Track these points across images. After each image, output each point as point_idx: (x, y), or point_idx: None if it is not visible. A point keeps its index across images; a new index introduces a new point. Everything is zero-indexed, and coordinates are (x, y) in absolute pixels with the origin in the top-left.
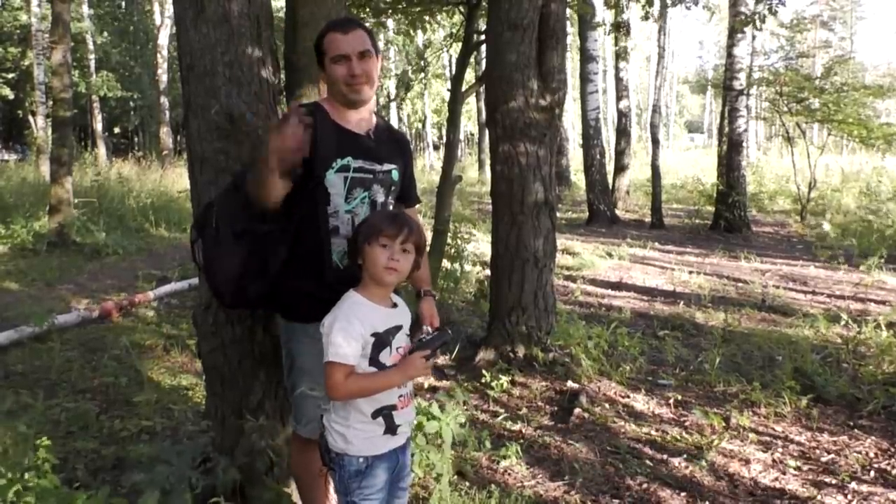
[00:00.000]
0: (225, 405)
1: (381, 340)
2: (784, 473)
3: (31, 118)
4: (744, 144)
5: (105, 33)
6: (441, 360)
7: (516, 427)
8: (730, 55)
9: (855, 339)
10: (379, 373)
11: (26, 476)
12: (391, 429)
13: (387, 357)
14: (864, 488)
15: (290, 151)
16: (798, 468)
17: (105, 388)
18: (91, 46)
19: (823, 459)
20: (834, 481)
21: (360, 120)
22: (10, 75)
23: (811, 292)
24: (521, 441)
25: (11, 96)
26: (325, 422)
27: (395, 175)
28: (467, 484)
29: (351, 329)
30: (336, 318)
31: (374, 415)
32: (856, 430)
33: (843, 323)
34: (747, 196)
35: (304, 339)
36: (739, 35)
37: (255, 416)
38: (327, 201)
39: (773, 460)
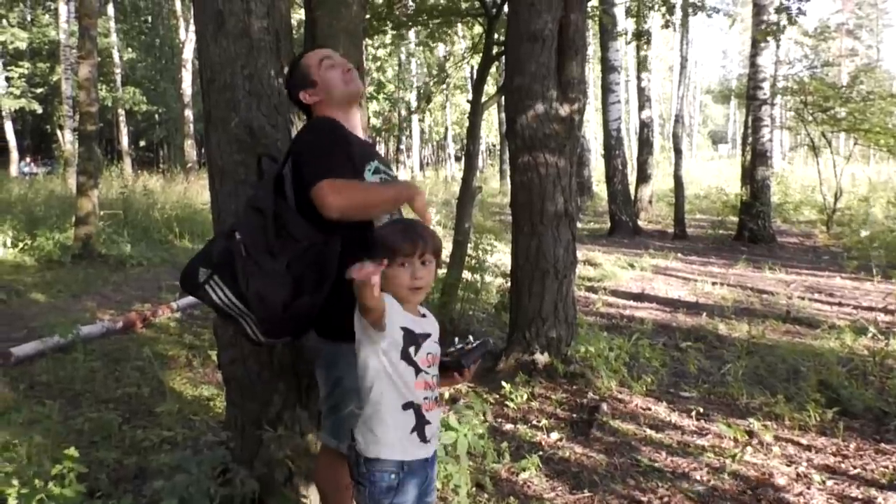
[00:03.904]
0: (244, 416)
1: (411, 337)
2: (809, 488)
3: (58, 132)
4: (768, 154)
5: (131, 48)
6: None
7: (536, 439)
8: (753, 65)
9: (882, 351)
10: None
11: (50, 485)
12: (420, 427)
13: (415, 355)
14: (892, 503)
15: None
16: (823, 482)
17: (128, 399)
18: (117, 61)
19: (850, 473)
20: (860, 496)
21: (360, 131)
22: (39, 90)
23: (837, 304)
24: (541, 453)
25: (40, 111)
26: (356, 430)
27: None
28: (486, 496)
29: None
30: None
31: (405, 406)
32: (882, 444)
33: (870, 335)
34: (772, 206)
35: (353, 359)
36: (763, 44)
37: (274, 427)
38: None
39: (798, 474)
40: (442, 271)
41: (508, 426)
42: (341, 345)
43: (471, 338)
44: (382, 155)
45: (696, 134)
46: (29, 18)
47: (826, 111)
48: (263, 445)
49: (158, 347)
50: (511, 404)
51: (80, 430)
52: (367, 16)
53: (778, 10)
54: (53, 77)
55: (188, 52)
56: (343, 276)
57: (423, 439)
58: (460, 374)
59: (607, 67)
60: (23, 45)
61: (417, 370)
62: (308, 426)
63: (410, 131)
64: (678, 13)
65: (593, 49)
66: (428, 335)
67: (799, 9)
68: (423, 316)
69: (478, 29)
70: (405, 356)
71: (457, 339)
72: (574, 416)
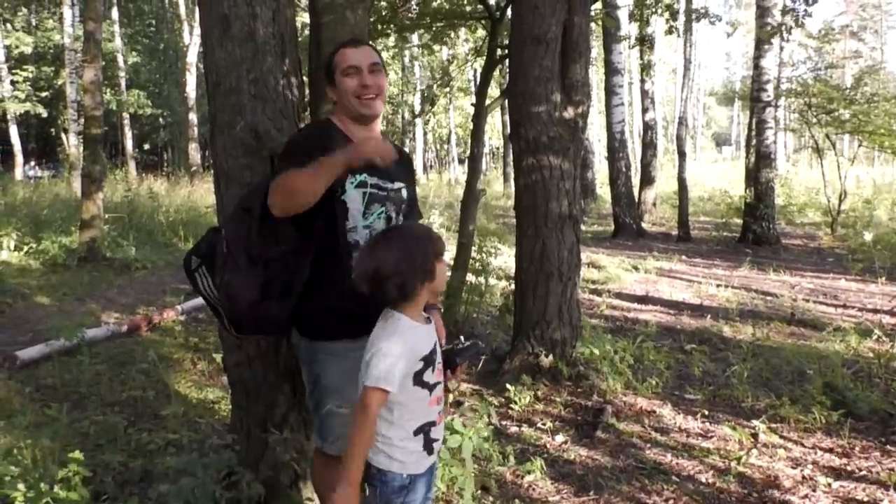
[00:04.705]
0: (250, 418)
1: (427, 361)
2: (814, 490)
3: (63, 135)
4: (772, 156)
5: (135, 52)
6: (464, 375)
7: (541, 441)
8: (757, 67)
9: (887, 353)
10: (362, 447)
11: (55, 489)
12: (429, 444)
13: (430, 376)
14: None
15: (369, 162)
16: (829, 484)
17: (133, 402)
18: (122, 65)
19: (855, 475)
20: (866, 498)
21: (373, 137)
22: (44, 94)
23: (842, 306)
24: (546, 455)
25: (45, 114)
26: None
27: (404, 193)
28: (491, 499)
29: (401, 354)
30: (388, 342)
31: (416, 432)
32: (888, 446)
33: (875, 337)
34: (776, 208)
35: (329, 357)
36: (766, 46)
37: (280, 430)
38: (346, 216)
39: (804, 476)
40: (447, 274)
41: (513, 428)
42: (318, 343)
43: (461, 338)
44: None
45: (700, 136)
46: (34, 22)
47: (830, 113)
48: (269, 448)
49: (163, 350)
50: (516, 407)
51: (86, 433)
52: (371, 19)
53: (784, 12)
54: (58, 81)
55: (192, 56)
56: (319, 276)
57: (430, 453)
58: (452, 371)
59: (611, 70)
60: (28, 50)
61: (431, 388)
62: (312, 430)
63: (414, 134)
64: (681, 18)
65: (597, 51)
66: (436, 343)
67: (805, 10)
68: (429, 321)
69: (481, 32)
70: (419, 381)
71: (453, 340)
72: (579, 418)
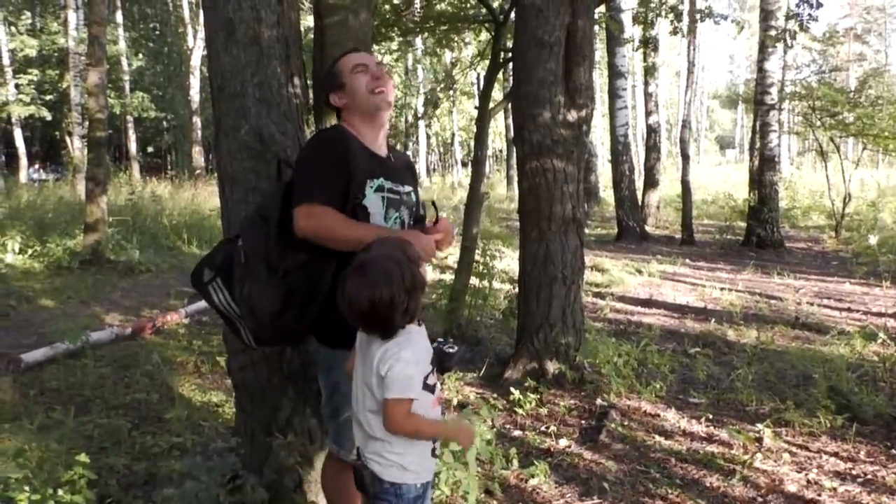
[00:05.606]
0: (254, 422)
1: (431, 363)
2: (819, 495)
3: (67, 139)
4: (776, 159)
5: (139, 55)
6: (468, 376)
7: (545, 445)
8: (761, 69)
9: (892, 357)
10: (434, 422)
11: (60, 492)
12: (434, 447)
13: (432, 378)
14: None
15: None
16: (834, 489)
17: (137, 405)
18: (126, 68)
19: (860, 480)
20: (871, 502)
21: (381, 143)
22: (49, 97)
23: (846, 309)
24: (550, 459)
25: (49, 117)
26: (372, 454)
27: (413, 197)
28: (495, 502)
29: (419, 364)
30: (404, 351)
31: None
32: (893, 451)
33: (879, 341)
34: (780, 211)
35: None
36: (770, 49)
37: (284, 434)
38: (368, 221)
39: (809, 481)
40: (450, 277)
41: (517, 432)
42: (338, 351)
43: (450, 340)
44: (399, 169)
45: (704, 139)
46: (38, 26)
47: (834, 116)
48: (273, 452)
49: (167, 353)
50: (520, 410)
51: (90, 436)
52: (375, 22)
53: (788, 17)
54: (62, 84)
55: (196, 59)
56: (337, 284)
57: (434, 456)
58: (441, 373)
59: (614, 73)
60: (32, 53)
61: (432, 390)
62: (318, 432)
63: (417, 137)
64: (685, 19)
65: (600, 54)
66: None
67: (810, 15)
68: (419, 323)
69: (485, 35)
70: (426, 386)
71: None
72: (583, 422)
